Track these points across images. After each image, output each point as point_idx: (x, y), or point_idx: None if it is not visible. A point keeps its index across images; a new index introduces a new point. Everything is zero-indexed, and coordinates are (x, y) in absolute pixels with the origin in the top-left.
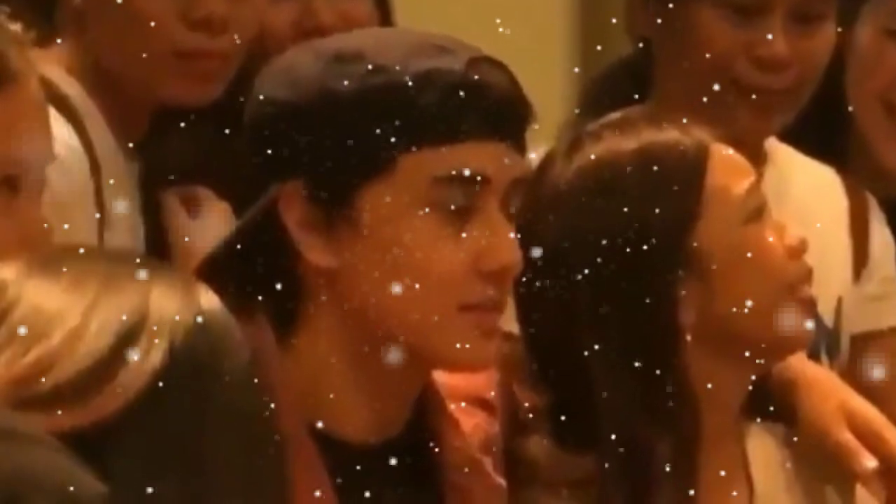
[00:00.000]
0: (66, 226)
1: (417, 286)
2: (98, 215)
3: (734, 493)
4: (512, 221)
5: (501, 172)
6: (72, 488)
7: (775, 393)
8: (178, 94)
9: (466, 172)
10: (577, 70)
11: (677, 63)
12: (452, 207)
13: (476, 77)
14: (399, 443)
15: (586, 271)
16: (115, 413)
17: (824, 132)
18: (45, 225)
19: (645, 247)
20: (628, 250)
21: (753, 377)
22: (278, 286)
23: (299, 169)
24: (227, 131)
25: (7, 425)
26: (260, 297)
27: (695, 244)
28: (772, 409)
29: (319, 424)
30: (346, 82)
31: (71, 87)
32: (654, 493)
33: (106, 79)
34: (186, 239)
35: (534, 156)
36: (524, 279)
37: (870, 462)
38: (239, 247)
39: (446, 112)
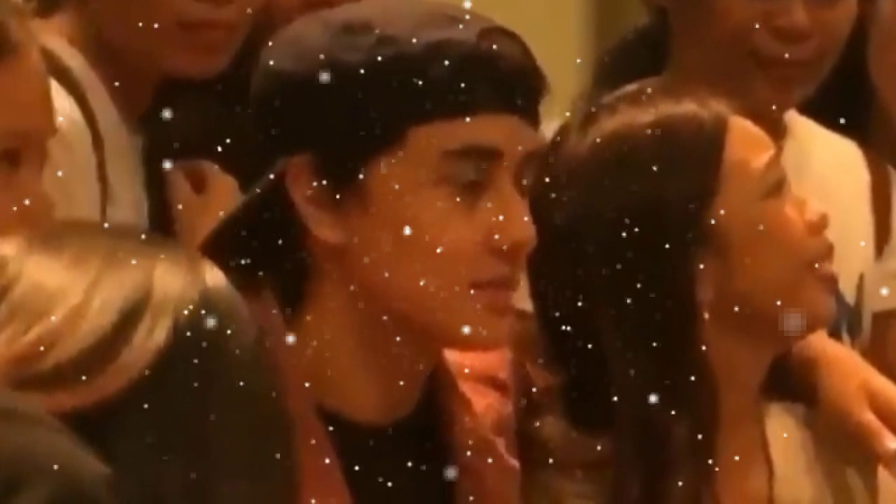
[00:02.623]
0: (67, 201)
1: (428, 263)
2: (101, 190)
3: (753, 476)
4: (525, 196)
5: (514, 146)
6: (73, 470)
7: (795, 372)
8: (183, 66)
9: (478, 146)
10: (591, 41)
11: (695, 34)
12: (464, 182)
13: (488, 48)
14: (409, 423)
15: (601, 247)
16: (118, 393)
17: (845, 105)
18: (47, 200)
19: (661, 222)
20: (644, 226)
21: (773, 356)
22: (285, 263)
23: (307, 143)
24: (232, 104)
25: (7, 405)
26: (266, 274)
27: (712, 220)
28: (792, 388)
29: (327, 405)
30: (354, 54)
31: (73, 59)
32: (671, 475)
33: (109, 50)
34: (191, 214)
35: (547, 129)
36: (537, 255)
37: (892, 443)
38: (245, 222)
39: (457, 84)
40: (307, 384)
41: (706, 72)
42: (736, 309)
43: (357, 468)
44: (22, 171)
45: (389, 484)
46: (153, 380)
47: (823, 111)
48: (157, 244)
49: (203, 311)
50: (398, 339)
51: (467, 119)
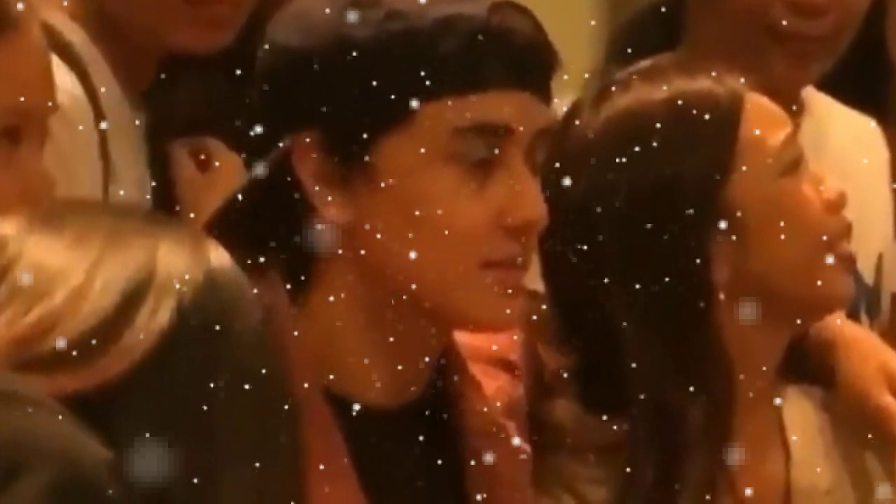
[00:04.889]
0: (69, 179)
1: (438, 242)
2: (103, 168)
3: (770, 459)
4: (537, 174)
5: (525, 123)
6: (75, 454)
7: (813, 354)
8: (187, 41)
9: (489, 123)
10: (604, 15)
11: (710, 8)
12: (474, 160)
13: (499, 23)
14: (418, 406)
15: (614, 226)
16: (121, 375)
17: (864, 81)
18: (48, 178)
19: (675, 201)
20: (658, 205)
21: (790, 338)
22: (292, 242)
23: (313, 120)
24: (238, 80)
25: (7, 388)
26: (272, 254)
27: (728, 198)
28: (809, 371)
29: (335, 387)
30: (362, 28)
31: (75, 34)
32: (686, 459)
33: (111, 25)
34: (195, 193)
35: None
36: (549, 234)
37: None
38: (250, 201)
39: (468, 59)
40: (313, 366)
41: (722, 47)
42: (752, 289)
43: (365, 452)
44: (22, 148)
45: (398, 468)
46: (156, 362)
47: (841, 87)
48: (160, 223)
49: (207, 292)
50: (407, 320)
51: (478, 95)
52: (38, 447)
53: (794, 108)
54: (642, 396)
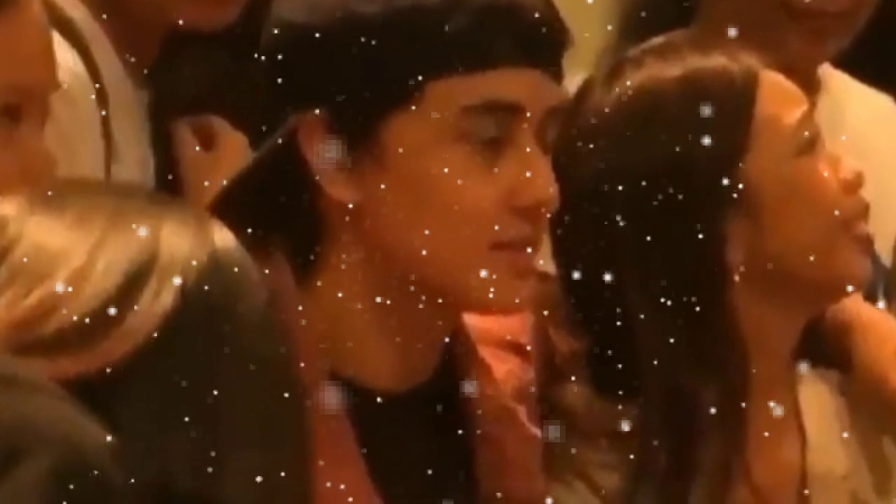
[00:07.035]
0: (70, 158)
1: (446, 223)
2: (105, 147)
3: (785, 444)
4: (548, 153)
5: (536, 101)
6: (77, 439)
7: (829, 337)
8: (192, 18)
9: (499, 101)
10: None
11: None
12: (484, 139)
13: None
14: (427, 390)
15: (627, 207)
16: (123, 359)
17: (882, 58)
18: (49, 157)
19: (689, 181)
20: (672, 185)
21: (806, 320)
22: (298, 223)
23: (320, 98)
24: (243, 58)
25: (7, 372)
26: (278, 235)
27: (743, 178)
28: (825, 354)
29: (341, 371)
30: (370, 5)
31: (76, 10)
32: (700, 444)
33: (114, 1)
34: (199, 173)
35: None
36: (561, 215)
37: None
38: (255, 181)
39: (477, 36)
40: (320, 349)
41: (736, 23)
42: (767, 271)
43: (373, 436)
44: (23, 127)
45: (406, 453)
46: (160, 345)
47: (859, 64)
48: (163, 204)
49: (211, 274)
50: (415, 302)
51: (487, 73)
52: (39, 432)
53: (811, 85)
54: (655, 380)
